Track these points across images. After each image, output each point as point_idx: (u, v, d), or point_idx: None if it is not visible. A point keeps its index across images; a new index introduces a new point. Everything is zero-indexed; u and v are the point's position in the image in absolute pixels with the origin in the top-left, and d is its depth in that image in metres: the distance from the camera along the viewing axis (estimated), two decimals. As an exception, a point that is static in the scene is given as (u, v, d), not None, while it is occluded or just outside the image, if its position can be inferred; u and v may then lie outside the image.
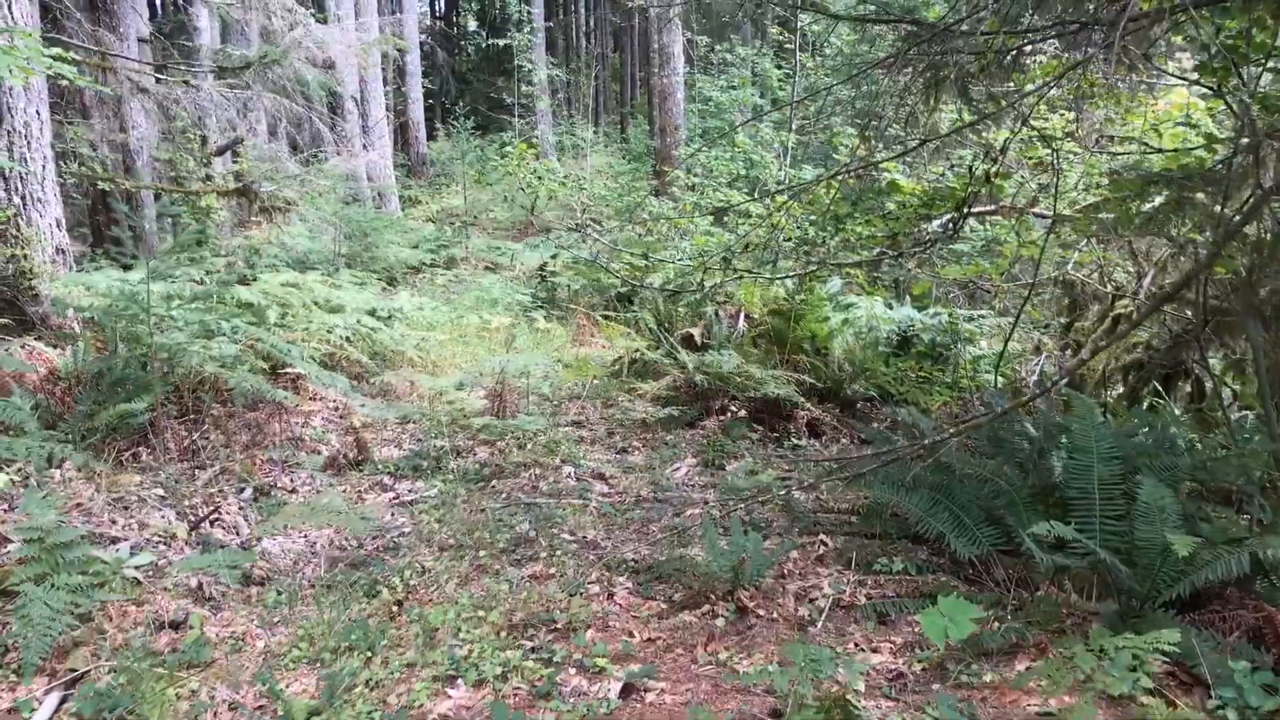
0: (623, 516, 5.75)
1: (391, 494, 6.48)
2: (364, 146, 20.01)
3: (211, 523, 5.34)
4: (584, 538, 5.32)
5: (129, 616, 4.15)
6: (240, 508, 5.76)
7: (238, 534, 5.37)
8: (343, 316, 9.02)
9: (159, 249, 14.05)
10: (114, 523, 4.93)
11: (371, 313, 9.76)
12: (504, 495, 6.27)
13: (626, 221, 13.45)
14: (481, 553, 5.05)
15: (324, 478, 6.83)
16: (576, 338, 11.92)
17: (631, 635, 4.02)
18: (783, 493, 5.62)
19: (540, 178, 8.30)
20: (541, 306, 13.00)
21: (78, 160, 11.98)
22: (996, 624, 3.82)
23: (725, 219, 9.43)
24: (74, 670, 3.74)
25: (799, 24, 12.51)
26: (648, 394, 8.85)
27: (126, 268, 10.53)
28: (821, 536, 5.05)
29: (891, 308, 8.88)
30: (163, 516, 5.14)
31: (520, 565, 4.90)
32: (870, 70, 5.33)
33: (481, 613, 4.23)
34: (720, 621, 4.12)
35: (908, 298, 9.76)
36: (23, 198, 8.97)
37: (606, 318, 12.29)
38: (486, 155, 23.95)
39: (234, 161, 15.52)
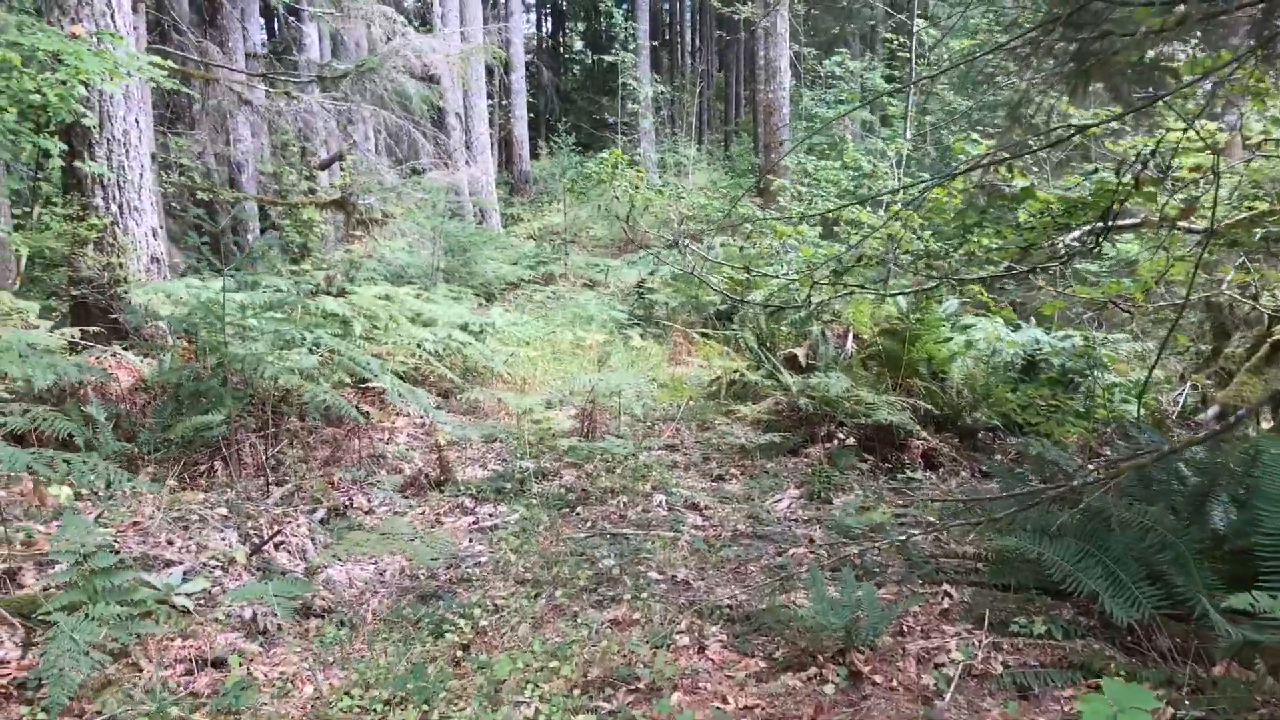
0: (717, 554, 5.17)
1: (471, 518, 6.03)
2: (466, 162, 19.92)
3: (277, 546, 4.94)
4: (673, 577, 4.76)
5: (170, 651, 3.74)
6: (310, 530, 5.37)
7: (304, 558, 4.96)
8: (433, 330, 8.66)
9: (260, 262, 14.05)
10: (170, 544, 4.56)
11: (463, 327, 9.41)
12: (589, 524, 5.75)
13: (727, 233, 12.88)
14: (559, 591, 4.53)
15: (402, 499, 6.42)
16: (672, 356, 11.39)
17: (725, 701, 3.44)
18: (900, 536, 4.97)
19: (635, 186, 7.84)
20: (637, 324, 12.51)
21: (180, 171, 11.99)
22: (1171, 710, 3.12)
23: (836, 229, 8.78)
24: (101, 713, 3.33)
25: (915, 28, 11.79)
26: (747, 417, 8.26)
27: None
28: (945, 587, 4.39)
29: (1018, 329, 8.11)
30: (223, 538, 4.75)
31: (601, 607, 4.36)
32: (1004, 52, 4.68)
33: (555, 663, 3.70)
34: (829, 689, 3.50)
35: (1031, 319, 8.96)
36: (120, 206, 8.87)
37: (704, 336, 11.73)
38: (587, 172, 23.68)
39: (339, 173, 15.48)
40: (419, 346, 7.85)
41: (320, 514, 5.72)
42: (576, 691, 3.50)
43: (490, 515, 6.08)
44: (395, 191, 11.34)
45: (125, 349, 7.49)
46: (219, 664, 3.76)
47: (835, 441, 7.37)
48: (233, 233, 14.02)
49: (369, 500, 6.12)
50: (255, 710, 3.43)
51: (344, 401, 5.52)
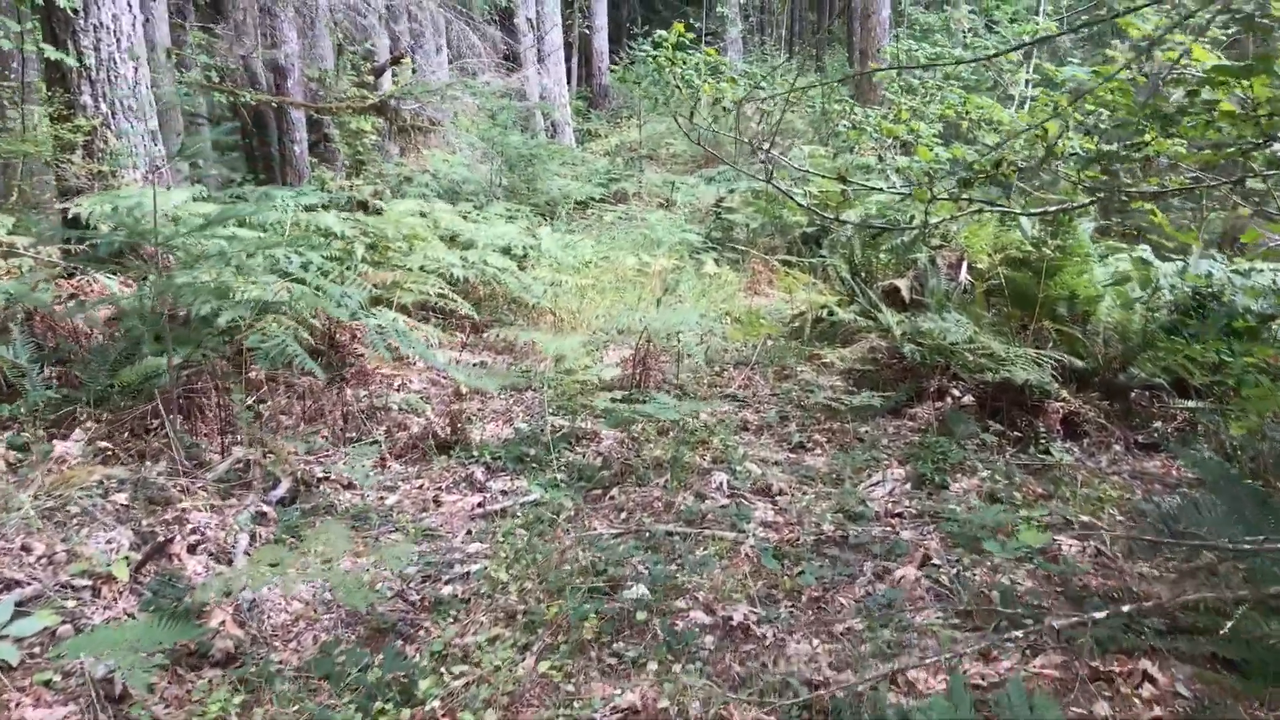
0: (793, 575, 3.64)
1: (478, 497, 4.60)
2: (537, 72, 18.25)
3: (192, 549, 3.56)
4: (728, 620, 3.24)
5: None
6: (253, 519, 3.99)
7: (228, 564, 3.59)
8: (466, 255, 7.19)
9: (310, 175, 12.72)
10: (27, 551, 3.21)
11: (505, 250, 7.91)
12: (623, 515, 4.27)
13: (817, 142, 11.06)
14: (559, 639, 3.06)
15: (399, 466, 5.02)
16: (750, 286, 9.76)
17: None
18: (1055, 564, 3.36)
19: (700, 72, 6.15)
20: (712, 248, 10.87)
21: (211, 71, 10.62)
22: None
23: (964, 129, 6.96)
24: None
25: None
26: (835, 365, 6.65)
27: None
28: (1143, 664, 2.79)
29: (1184, 263, 6.27)
30: (109, 540, 3.38)
31: (613, 678, 2.88)
32: None
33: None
34: None
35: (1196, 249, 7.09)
36: (111, 105, 7.50)
37: (787, 264, 10.06)
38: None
39: (393, 83, 13.99)
40: (435, 274, 6.38)
41: (280, 491, 4.34)
42: None
43: (502, 494, 4.64)
44: (439, 94, 9.78)
45: (114, 272, 6.18)
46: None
47: (948, 400, 5.73)
48: (278, 143, 12.69)
49: (352, 470, 4.73)
50: None
51: (297, 348, 4.07)
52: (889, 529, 4.11)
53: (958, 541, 3.84)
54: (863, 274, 7.89)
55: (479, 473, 4.89)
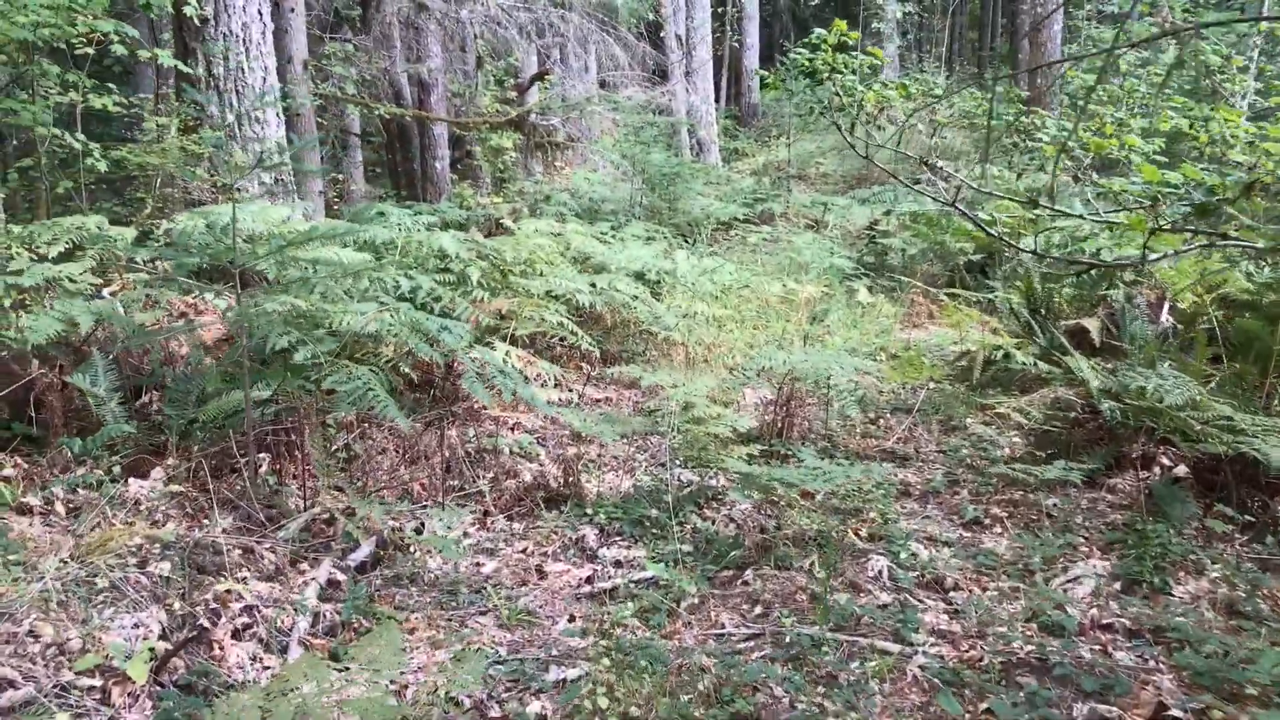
0: (978, 712, 2.77)
1: (587, 569, 3.88)
2: (685, 90, 17.63)
3: (237, 634, 2.95)
4: (894, 792, 2.42)
5: None
6: (324, 589, 3.38)
7: (282, 652, 2.97)
8: (593, 280, 6.53)
9: (450, 191, 12.41)
10: (34, 637, 2.66)
11: (639, 275, 7.22)
12: (758, 609, 3.47)
13: (994, 162, 9.96)
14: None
15: (504, 521, 4.36)
16: (908, 318, 8.79)
17: None
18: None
19: (864, 81, 5.28)
20: (865, 274, 9.93)
21: (356, 88, 10.35)
22: None
23: (1199, 145, 5.79)
24: None
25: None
26: (1012, 418, 5.67)
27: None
28: None
29: None
30: (136, 625, 2.80)
31: None
32: None
33: None
34: None
35: None
36: (238, 116, 7.23)
37: (951, 295, 9.05)
38: (819, 97, 20.88)
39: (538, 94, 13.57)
40: (559, 301, 5.73)
41: (360, 554, 3.73)
42: None
43: (616, 565, 3.92)
44: (579, 109, 9.22)
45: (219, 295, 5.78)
46: None
47: (1156, 471, 4.71)
48: (420, 159, 12.43)
49: (448, 528, 4.09)
50: None
51: (380, 392, 3.44)
52: (1098, 649, 3.18)
53: (1202, 682, 2.88)
54: (1042, 310, 6.86)
55: (591, 536, 4.18)
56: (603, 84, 15.15)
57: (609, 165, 14.15)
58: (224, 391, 4.37)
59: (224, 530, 3.55)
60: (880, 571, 3.73)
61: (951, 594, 3.62)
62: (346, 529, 3.61)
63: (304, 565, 3.52)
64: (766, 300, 8.26)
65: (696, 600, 3.50)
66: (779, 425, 5.32)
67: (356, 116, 16.36)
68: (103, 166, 6.28)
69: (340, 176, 12.12)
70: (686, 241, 11.50)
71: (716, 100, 21.64)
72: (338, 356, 3.95)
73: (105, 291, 5.49)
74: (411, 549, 3.89)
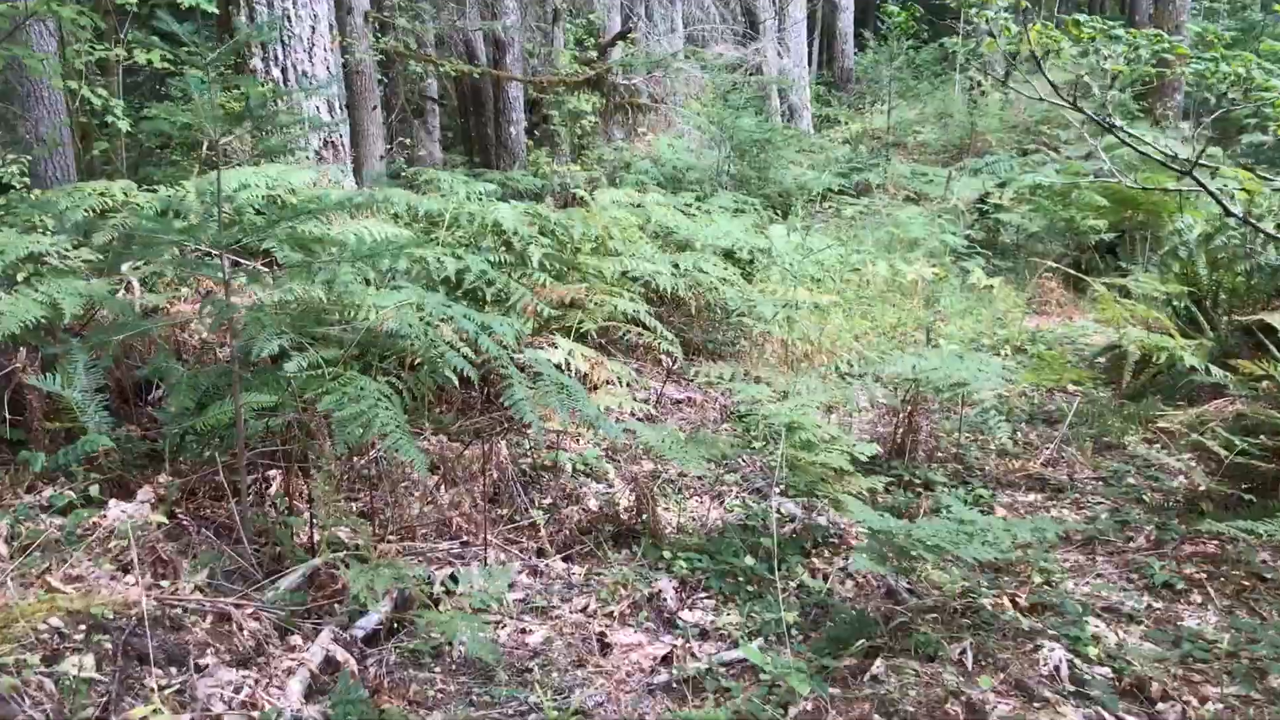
0: None
1: (663, 643, 2.97)
2: (777, 53, 16.44)
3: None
4: None
5: None
6: (322, 669, 2.54)
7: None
8: (682, 257, 5.59)
9: (525, 158, 11.54)
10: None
11: (729, 254, 6.25)
12: (896, 725, 2.52)
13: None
14: None
15: (561, 565, 3.48)
16: (1037, 305, 7.67)
17: None
18: None
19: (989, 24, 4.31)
20: (979, 253, 8.79)
21: (421, 44, 9.50)
22: None
23: None
24: None
25: None
26: (1181, 433, 4.59)
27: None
28: None
29: None
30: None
31: None
32: None
33: None
34: None
35: None
36: (283, 69, 6.43)
37: (1078, 277, 7.89)
38: (920, 61, 19.50)
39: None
40: (637, 284, 4.82)
41: (372, 621, 2.87)
42: None
43: (701, 636, 3.01)
44: (663, 66, 8.23)
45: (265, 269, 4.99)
46: None
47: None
48: (494, 124, 11.58)
49: (492, 569, 3.21)
50: None
51: (389, 418, 2.56)
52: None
53: None
54: (1208, 300, 5.70)
55: (669, 591, 3.27)
56: (689, 40, 14.06)
57: (695, 131, 13.13)
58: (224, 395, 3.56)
59: (198, 588, 2.73)
60: (1057, 666, 2.74)
61: (1159, 706, 2.62)
62: (356, 587, 2.76)
63: (296, 638, 2.68)
64: (872, 283, 7.22)
65: (809, 706, 2.57)
66: (900, 442, 4.33)
67: (434, 80, 15.61)
68: (124, 126, 5.52)
69: (408, 142, 11.32)
70: (778, 214, 10.47)
71: (808, 65, 20.38)
72: (356, 360, 3.09)
73: (124, 267, 4.74)
74: (442, 606, 3.02)
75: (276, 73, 6.32)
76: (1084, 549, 3.66)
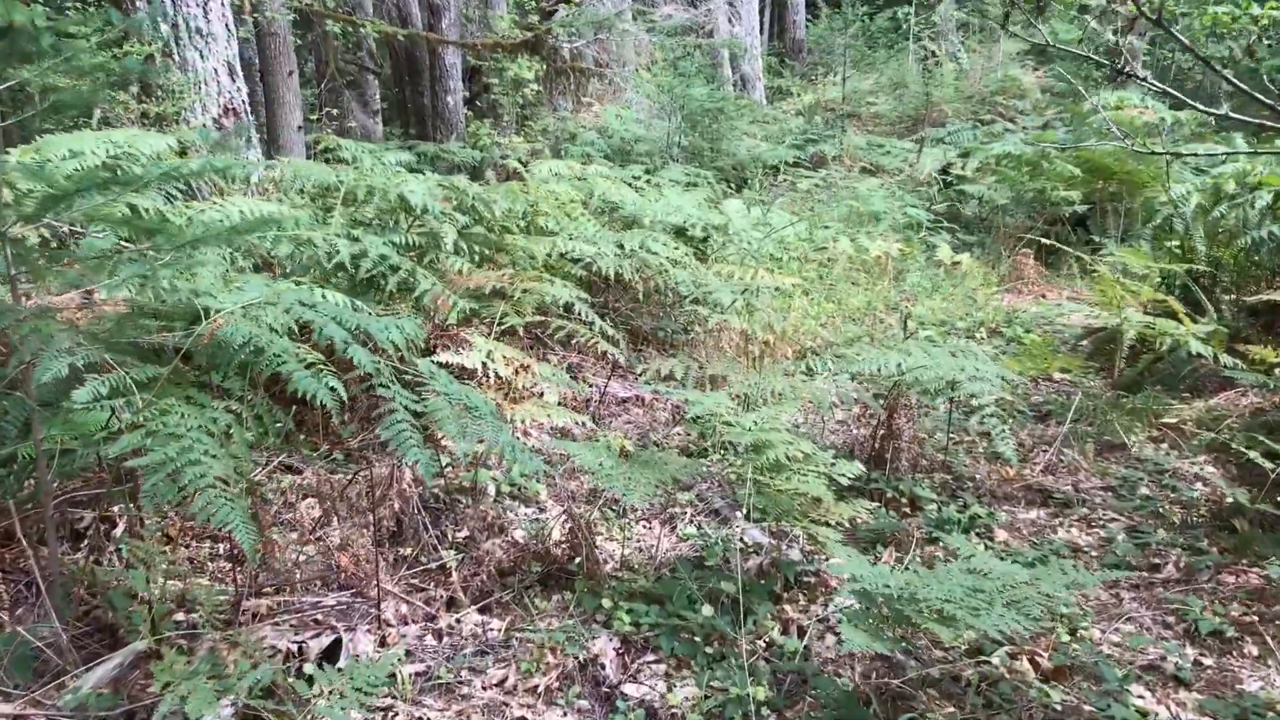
0: None
1: (600, 730, 2.29)
2: (728, 20, 15.67)
3: None
4: None
5: None
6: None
7: None
8: (629, 236, 4.87)
9: (464, 129, 10.70)
10: None
11: (680, 232, 5.54)
12: None
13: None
14: None
15: (474, 619, 2.77)
16: (1009, 282, 7.06)
17: None
18: None
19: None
20: (946, 228, 8.18)
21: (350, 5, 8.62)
22: None
23: None
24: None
25: None
26: (1191, 431, 4.02)
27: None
28: None
29: None
30: None
31: None
32: None
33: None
34: None
35: None
36: (174, 27, 5.58)
37: (1051, 250, 7.31)
38: (874, 30, 18.88)
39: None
40: (576, 267, 4.10)
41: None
42: None
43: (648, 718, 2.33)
44: (606, 26, 7.46)
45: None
46: None
47: None
48: (430, 93, 10.72)
49: (385, 631, 2.50)
50: None
51: (208, 468, 1.83)
52: None
53: None
54: (1205, 280, 5.11)
55: (609, 655, 2.58)
56: (637, 2, 13.21)
57: (644, 101, 12.36)
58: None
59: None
60: (1101, 759, 2.11)
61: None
62: (166, 707, 2.02)
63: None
64: (838, 262, 6.56)
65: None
66: (878, 447, 3.67)
67: (371, 44, 14.61)
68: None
69: (335, 112, 10.44)
70: (732, 188, 9.77)
71: (760, 34, 19.63)
72: (198, 382, 2.33)
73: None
74: (313, 698, 2.30)
75: (166, 29, 5.47)
76: (1107, 582, 3.03)
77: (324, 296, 2.37)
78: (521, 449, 2.43)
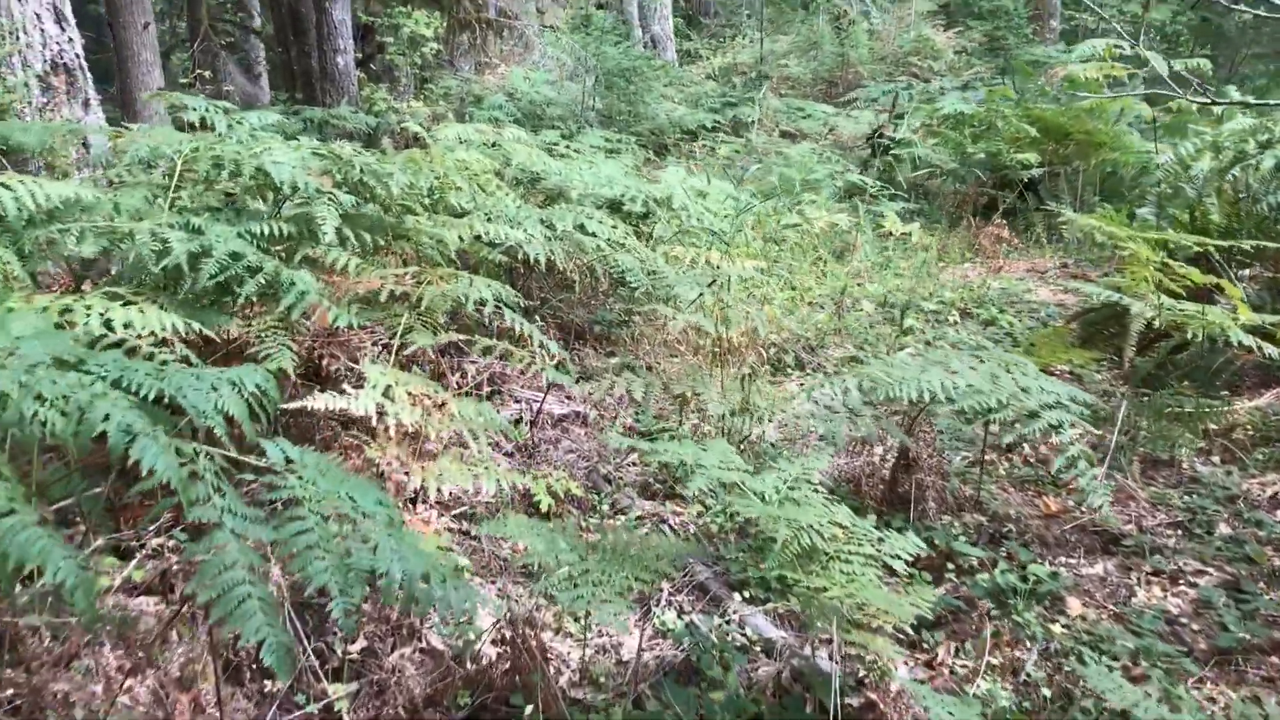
0: None
1: None
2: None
3: None
4: None
5: None
6: None
7: None
8: (557, 212, 3.89)
9: (356, 93, 9.47)
10: None
11: (615, 206, 4.58)
12: None
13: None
14: None
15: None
16: (971, 256, 6.30)
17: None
18: None
19: None
20: (897, 196, 7.39)
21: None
22: None
23: None
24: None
25: None
26: (1250, 440, 3.29)
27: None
28: None
29: None
30: None
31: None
32: None
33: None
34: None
35: None
36: (-27, -36, 4.34)
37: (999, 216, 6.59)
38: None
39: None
40: (497, 253, 3.13)
41: None
42: None
43: None
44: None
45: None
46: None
47: None
48: (317, 53, 9.45)
49: None
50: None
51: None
52: None
53: None
54: (1222, 254, 4.40)
55: None
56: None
57: (553, 63, 11.29)
58: None
59: None
60: None
61: None
62: None
63: None
64: (782, 234, 5.70)
65: None
66: (892, 480, 2.83)
67: (257, 10, 13.12)
68: None
69: (208, 75, 9.10)
70: (653, 154, 8.83)
71: (667, -5, 18.60)
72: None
73: None
74: None
75: (-41, -37, 4.24)
76: (1219, 667, 2.24)
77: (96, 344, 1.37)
78: (443, 589, 1.48)
